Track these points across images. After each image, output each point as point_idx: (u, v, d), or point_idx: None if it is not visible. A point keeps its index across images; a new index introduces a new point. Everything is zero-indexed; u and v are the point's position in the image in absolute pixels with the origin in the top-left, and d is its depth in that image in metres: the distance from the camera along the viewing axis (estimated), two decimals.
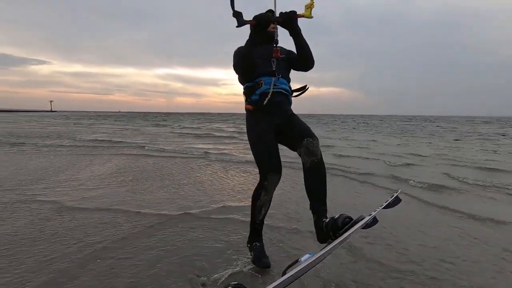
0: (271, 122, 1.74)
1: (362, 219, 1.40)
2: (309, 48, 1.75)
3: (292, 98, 1.86)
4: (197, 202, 3.09)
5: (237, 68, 1.76)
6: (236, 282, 1.26)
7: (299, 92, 1.89)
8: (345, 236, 1.34)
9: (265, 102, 1.69)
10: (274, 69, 1.72)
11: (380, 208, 1.56)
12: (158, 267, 1.78)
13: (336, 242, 1.33)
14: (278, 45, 1.70)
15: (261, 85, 1.72)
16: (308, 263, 1.18)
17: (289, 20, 1.65)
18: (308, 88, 1.90)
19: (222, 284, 1.60)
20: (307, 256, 1.26)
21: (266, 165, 1.70)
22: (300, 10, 1.63)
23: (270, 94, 1.69)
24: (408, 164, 5.85)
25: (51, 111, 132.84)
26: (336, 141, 11.28)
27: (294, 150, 1.73)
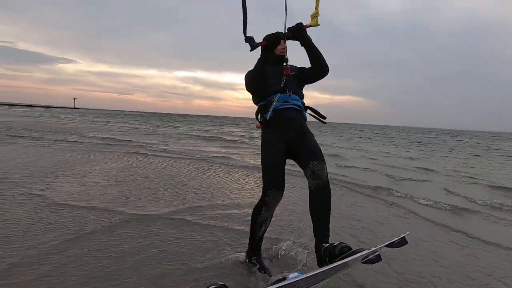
0: (283, 137, 1.77)
1: (361, 251, 1.36)
2: (322, 55, 1.80)
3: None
4: (179, 203, 3.01)
5: (249, 87, 1.84)
6: (222, 283, 1.27)
7: (315, 115, 1.94)
8: (338, 264, 1.32)
9: (268, 116, 1.75)
10: (282, 85, 1.78)
11: (383, 245, 1.46)
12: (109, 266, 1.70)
13: (327, 268, 1.30)
14: (288, 63, 1.79)
15: (273, 103, 1.77)
16: (293, 281, 1.20)
17: (298, 31, 1.73)
18: (325, 120, 1.96)
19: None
20: (295, 274, 1.26)
21: (269, 181, 1.70)
22: (306, 21, 1.74)
23: (271, 109, 1.75)
24: (410, 179, 5.55)
25: (74, 107, 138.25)
26: (346, 150, 10.97)
27: (301, 169, 1.73)
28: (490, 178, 6.18)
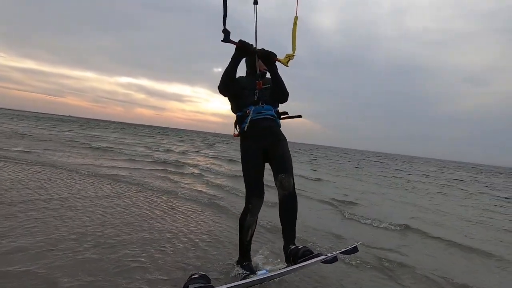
0: (260, 146, 1.95)
1: (320, 255, 1.59)
2: (283, 84, 1.97)
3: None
4: None
5: (220, 86, 1.94)
6: (203, 273, 1.50)
7: (287, 116, 2.12)
8: (300, 265, 1.55)
9: (246, 128, 1.93)
10: (256, 98, 1.97)
11: (338, 252, 1.70)
12: None
13: (291, 268, 1.58)
14: (260, 78, 1.96)
15: (249, 114, 1.94)
16: (260, 278, 1.46)
17: (268, 59, 1.92)
18: (301, 116, 2.18)
19: None
20: (263, 271, 1.54)
21: (251, 190, 1.93)
22: (281, 55, 1.95)
23: (248, 121, 1.93)
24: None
25: None
26: None
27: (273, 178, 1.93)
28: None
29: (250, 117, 1.92)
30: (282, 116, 2.10)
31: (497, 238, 3.85)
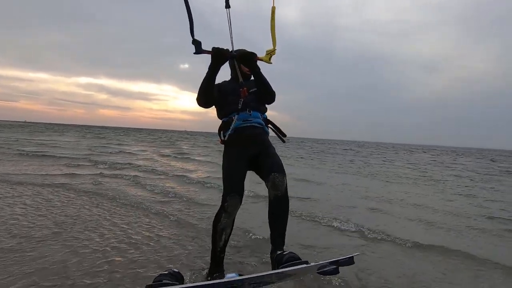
0: (245, 153, 1.85)
1: (306, 263, 1.43)
2: (268, 85, 1.84)
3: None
4: None
5: (198, 98, 1.79)
6: (177, 270, 1.40)
7: (276, 131, 2.03)
8: (280, 271, 1.38)
9: (226, 137, 1.85)
10: (240, 107, 1.85)
11: (328, 261, 1.45)
12: None
13: (265, 273, 1.36)
14: (243, 85, 1.75)
15: (234, 121, 1.84)
16: (228, 281, 1.30)
17: (247, 59, 1.76)
18: (285, 137, 2.06)
19: None
20: (232, 275, 1.37)
21: (228, 186, 1.76)
22: (261, 53, 1.82)
23: (231, 129, 1.83)
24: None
25: None
26: None
27: (263, 180, 1.81)
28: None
29: (233, 124, 1.84)
30: (270, 125, 2.02)
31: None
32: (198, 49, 1.68)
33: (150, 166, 7.77)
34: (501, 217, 4.04)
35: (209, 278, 1.81)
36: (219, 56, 1.70)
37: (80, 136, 23.72)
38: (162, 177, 6.20)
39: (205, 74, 1.74)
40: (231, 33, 1.73)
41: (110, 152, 11.48)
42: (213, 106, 1.93)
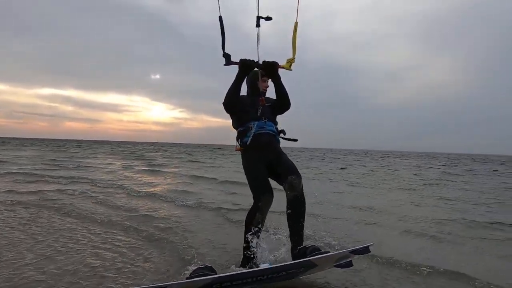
0: (264, 158, 2.05)
1: (327, 253, 1.65)
2: (286, 93, 2.11)
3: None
4: None
5: (225, 102, 2.05)
6: (209, 265, 1.64)
7: (286, 138, 2.24)
8: (304, 260, 1.61)
9: (249, 142, 2.03)
10: (259, 115, 2.09)
11: (347, 250, 1.68)
12: None
13: (294, 262, 1.60)
14: (264, 96, 2.13)
15: (252, 128, 2.06)
16: (263, 269, 1.53)
17: (271, 68, 2.04)
18: (296, 140, 2.31)
19: None
20: (266, 264, 1.61)
21: (260, 188, 1.94)
22: (282, 62, 2.07)
23: (252, 135, 2.03)
24: None
25: None
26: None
27: (280, 184, 2.03)
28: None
29: (253, 131, 2.02)
30: (281, 134, 2.21)
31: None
32: (228, 61, 1.98)
33: (109, 180, 7.20)
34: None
35: (241, 267, 1.96)
36: (246, 66, 1.99)
37: (40, 150, 22.00)
38: (119, 191, 5.70)
39: (232, 83, 2.02)
40: (258, 47, 2.00)
41: (68, 166, 10.60)
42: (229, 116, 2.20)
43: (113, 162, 14.05)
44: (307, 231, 2.38)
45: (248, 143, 2.02)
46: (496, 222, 3.83)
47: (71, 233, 2.96)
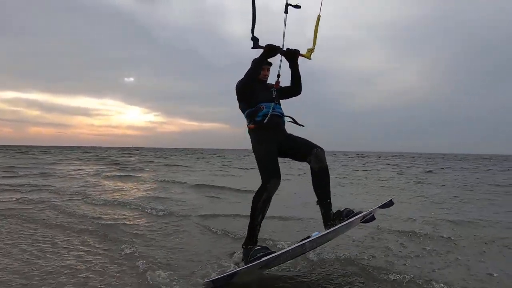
0: (274, 138, 2.16)
1: (361, 213, 1.93)
2: (301, 80, 2.31)
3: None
4: None
5: (243, 85, 2.19)
6: (264, 245, 1.92)
7: (292, 120, 2.35)
8: (346, 223, 1.88)
9: (266, 120, 2.12)
10: (274, 96, 2.23)
11: (376, 207, 2.08)
12: None
13: (339, 226, 1.88)
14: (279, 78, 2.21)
15: (263, 109, 2.16)
16: (318, 238, 1.80)
17: (293, 55, 2.20)
18: (303, 126, 2.38)
19: None
20: (316, 233, 1.82)
21: (271, 171, 2.04)
22: (303, 50, 2.20)
23: (269, 115, 2.13)
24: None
25: None
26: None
27: (302, 160, 2.16)
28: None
29: (270, 111, 2.13)
30: (288, 119, 2.33)
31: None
32: (255, 45, 2.06)
33: (75, 187, 6.68)
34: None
35: (243, 247, 2.07)
36: (272, 50, 2.09)
37: (6, 157, 20.44)
38: (82, 198, 5.26)
39: (251, 66, 2.15)
40: (284, 35, 2.07)
41: (31, 173, 9.81)
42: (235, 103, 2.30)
43: (82, 168, 13.24)
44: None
45: (265, 122, 2.11)
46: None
47: (25, 241, 2.61)
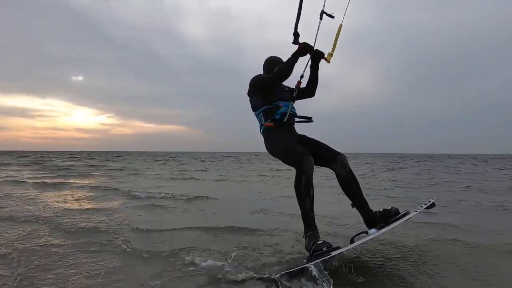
0: (293, 136, 2.29)
1: (409, 213, 2.06)
2: (318, 82, 2.42)
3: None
4: None
5: (276, 79, 2.23)
6: (325, 240, 1.90)
7: (302, 120, 2.46)
8: (398, 223, 1.97)
9: (285, 119, 2.21)
10: (294, 95, 2.27)
11: (422, 209, 2.17)
12: None
13: (392, 226, 1.96)
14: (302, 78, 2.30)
15: (281, 107, 2.25)
16: (374, 236, 1.92)
17: (319, 57, 2.31)
18: (312, 120, 2.51)
19: None
20: (373, 230, 1.95)
21: (299, 152, 2.04)
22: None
23: (288, 114, 2.21)
24: None
25: None
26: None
27: (322, 165, 2.22)
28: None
29: (288, 110, 2.22)
30: (299, 120, 2.46)
31: None
32: (296, 40, 2.21)
33: None
34: None
35: (303, 236, 2.03)
36: (307, 49, 2.20)
37: None
38: None
39: (287, 62, 2.20)
40: (316, 36, 2.19)
41: None
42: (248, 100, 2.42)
43: (8, 174, 11.28)
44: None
45: (285, 120, 2.20)
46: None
47: None
